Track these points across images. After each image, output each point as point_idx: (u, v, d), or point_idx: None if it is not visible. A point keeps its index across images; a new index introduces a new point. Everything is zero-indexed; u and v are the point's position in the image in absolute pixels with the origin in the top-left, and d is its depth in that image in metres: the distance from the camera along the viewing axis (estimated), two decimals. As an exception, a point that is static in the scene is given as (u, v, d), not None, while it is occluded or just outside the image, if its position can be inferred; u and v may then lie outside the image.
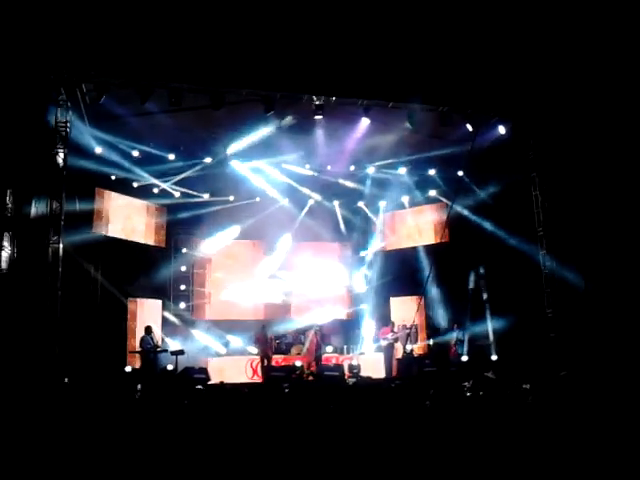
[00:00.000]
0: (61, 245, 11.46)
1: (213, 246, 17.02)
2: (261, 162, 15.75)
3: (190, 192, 16.19)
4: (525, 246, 14.03)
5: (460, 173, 15.40)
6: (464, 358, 14.62)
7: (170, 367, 13.50)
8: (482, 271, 15.23)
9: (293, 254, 17.89)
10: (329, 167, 16.28)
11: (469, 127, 13.61)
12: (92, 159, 13.08)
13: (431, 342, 16.14)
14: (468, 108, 13.37)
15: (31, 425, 5.15)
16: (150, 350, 13.62)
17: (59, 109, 11.65)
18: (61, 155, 11.68)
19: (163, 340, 14.47)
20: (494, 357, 14.23)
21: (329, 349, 15.62)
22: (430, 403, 5.03)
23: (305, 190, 17.00)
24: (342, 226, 18.32)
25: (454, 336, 15.15)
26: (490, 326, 14.69)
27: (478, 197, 15.15)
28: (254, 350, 15.21)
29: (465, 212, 15.45)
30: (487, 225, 14.90)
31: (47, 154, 11.45)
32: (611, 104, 11.63)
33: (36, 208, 11.43)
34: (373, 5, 10.52)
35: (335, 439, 4.75)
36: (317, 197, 17.59)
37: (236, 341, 15.87)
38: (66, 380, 9.99)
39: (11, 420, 5.08)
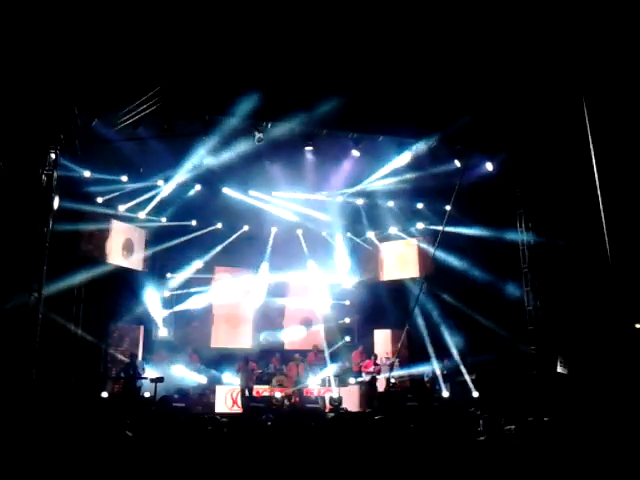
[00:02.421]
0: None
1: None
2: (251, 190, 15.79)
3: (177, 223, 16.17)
4: (509, 283, 14.12)
5: (447, 207, 15.53)
6: (445, 394, 14.54)
7: (147, 394, 13.30)
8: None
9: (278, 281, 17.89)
10: (318, 196, 16.28)
11: (457, 163, 13.83)
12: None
13: (410, 373, 16.08)
14: (457, 144, 13.59)
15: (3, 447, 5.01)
16: (131, 377, 13.45)
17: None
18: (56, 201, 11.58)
19: (143, 367, 14.21)
20: (475, 394, 14.15)
21: (312, 380, 15.46)
22: (412, 438, 4.97)
23: (294, 218, 16.99)
24: (328, 255, 18.31)
25: (429, 371, 15.15)
26: (462, 363, 14.67)
27: (465, 231, 15.23)
28: (235, 380, 15.01)
29: (450, 246, 15.52)
30: (471, 260, 14.97)
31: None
32: (598, 143, 11.86)
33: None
34: (361, 38, 10.69)
35: (312, 473, 4.66)
36: (304, 225, 17.61)
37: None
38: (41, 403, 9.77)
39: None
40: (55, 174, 11.43)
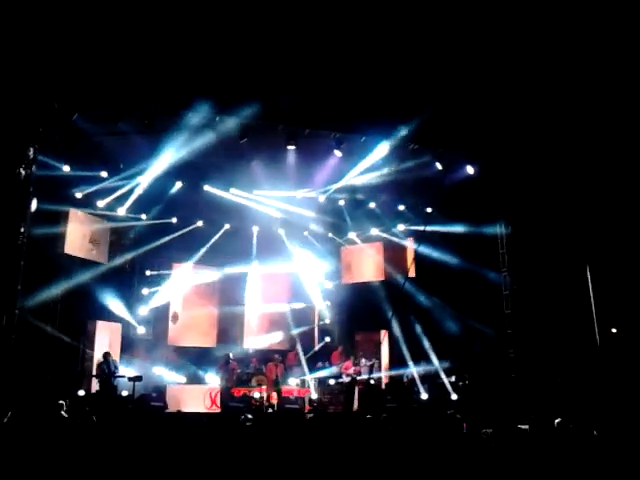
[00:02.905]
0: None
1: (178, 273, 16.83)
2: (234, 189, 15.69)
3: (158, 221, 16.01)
4: (490, 284, 14.24)
5: (429, 210, 15.62)
6: (424, 396, 14.59)
7: (125, 393, 13.16)
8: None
9: (259, 282, 17.82)
10: (299, 195, 16.20)
11: (438, 166, 13.92)
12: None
13: (389, 375, 16.13)
14: (439, 147, 13.66)
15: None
16: (108, 375, 13.30)
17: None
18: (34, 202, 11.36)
19: (116, 365, 14.03)
20: (454, 396, 14.21)
21: (292, 381, 15.41)
22: (393, 440, 4.97)
23: (276, 215, 16.90)
24: (310, 256, 18.26)
25: (408, 372, 15.22)
26: (439, 365, 14.75)
27: (446, 234, 15.29)
28: (215, 380, 14.92)
29: (432, 248, 15.57)
30: (452, 262, 15.05)
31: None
32: (580, 146, 12.04)
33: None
34: (344, 41, 10.69)
35: (291, 473, 4.64)
36: (285, 226, 17.57)
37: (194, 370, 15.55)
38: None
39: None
40: (33, 169, 11.25)
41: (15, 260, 10.89)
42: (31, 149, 11.28)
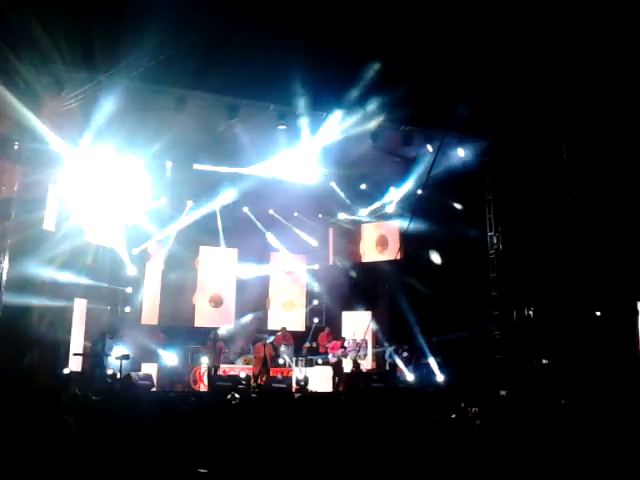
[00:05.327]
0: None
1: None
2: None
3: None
4: (476, 268, 14.30)
5: (419, 192, 15.56)
6: (410, 377, 14.69)
7: (110, 372, 13.08)
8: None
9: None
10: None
11: (429, 148, 13.89)
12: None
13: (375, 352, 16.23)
14: (430, 129, 13.61)
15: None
16: (95, 353, 13.26)
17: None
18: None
19: (111, 346, 13.96)
20: (440, 377, 14.32)
21: (280, 361, 15.47)
22: (380, 420, 5.00)
23: (266, 198, 16.78)
24: (300, 237, 18.22)
25: (388, 351, 15.39)
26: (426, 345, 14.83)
27: (435, 216, 15.26)
28: (204, 359, 14.94)
29: (421, 230, 15.55)
30: (440, 245, 15.08)
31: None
32: (571, 132, 12.03)
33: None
34: (339, 19, 10.51)
35: (277, 452, 4.65)
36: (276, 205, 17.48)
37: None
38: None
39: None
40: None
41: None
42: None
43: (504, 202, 14.25)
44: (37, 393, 5.61)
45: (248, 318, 17.47)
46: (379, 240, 17.51)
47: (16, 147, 11.49)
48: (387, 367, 15.51)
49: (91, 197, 13.83)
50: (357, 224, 18.14)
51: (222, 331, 16.21)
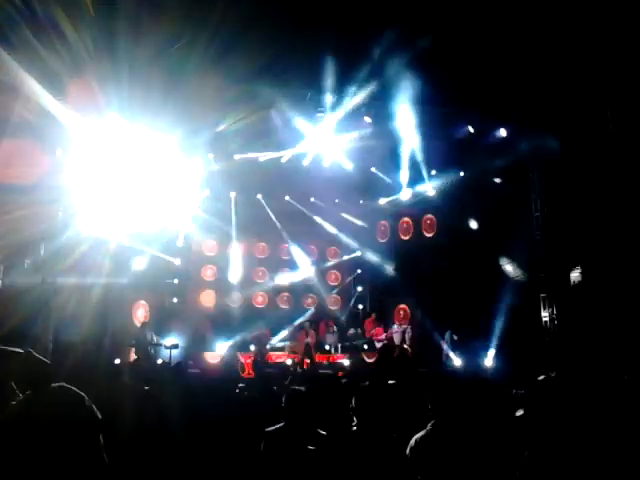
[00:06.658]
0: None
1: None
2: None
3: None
4: (523, 250, 13.97)
5: (462, 174, 15.29)
6: (457, 362, 14.51)
7: (160, 361, 13.36)
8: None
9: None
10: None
11: (470, 129, 13.68)
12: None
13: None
14: (470, 110, 13.40)
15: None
16: (146, 343, 13.56)
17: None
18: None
19: (152, 336, 14.28)
20: (489, 362, 14.11)
21: (326, 347, 15.57)
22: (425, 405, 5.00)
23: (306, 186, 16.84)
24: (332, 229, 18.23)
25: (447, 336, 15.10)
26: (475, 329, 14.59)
27: (475, 196, 14.97)
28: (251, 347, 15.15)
29: (459, 211, 15.30)
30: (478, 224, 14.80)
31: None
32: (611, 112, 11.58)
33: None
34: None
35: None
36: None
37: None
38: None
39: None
40: None
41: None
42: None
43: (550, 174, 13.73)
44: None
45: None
46: (423, 223, 17.24)
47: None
48: (445, 352, 15.20)
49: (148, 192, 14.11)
50: (400, 207, 17.94)
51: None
